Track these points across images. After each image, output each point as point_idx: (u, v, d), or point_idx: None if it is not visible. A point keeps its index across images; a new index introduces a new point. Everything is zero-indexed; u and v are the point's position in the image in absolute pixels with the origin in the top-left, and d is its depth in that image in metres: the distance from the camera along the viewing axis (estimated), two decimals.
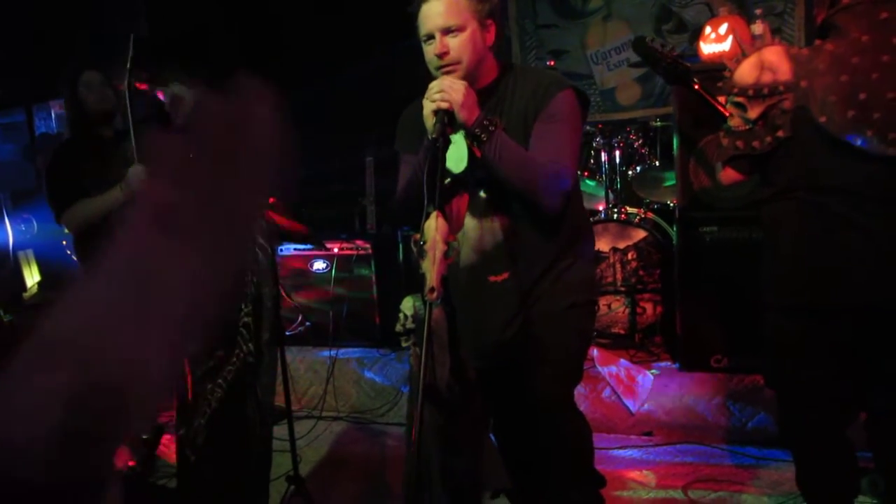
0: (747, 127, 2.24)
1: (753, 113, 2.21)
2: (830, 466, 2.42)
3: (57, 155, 3.26)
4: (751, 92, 2.20)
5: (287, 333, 4.04)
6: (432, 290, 1.58)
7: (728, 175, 2.40)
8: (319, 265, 4.14)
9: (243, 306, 1.88)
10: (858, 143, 2.16)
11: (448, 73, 1.89)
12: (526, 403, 1.99)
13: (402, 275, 3.95)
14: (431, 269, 1.61)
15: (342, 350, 3.97)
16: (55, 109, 5.80)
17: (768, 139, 2.22)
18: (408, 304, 1.80)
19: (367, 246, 4.07)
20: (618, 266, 3.95)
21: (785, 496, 2.77)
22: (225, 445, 1.94)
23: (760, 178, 2.46)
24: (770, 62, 2.18)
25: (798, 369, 2.40)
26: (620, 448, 3.33)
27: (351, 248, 4.08)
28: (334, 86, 5.49)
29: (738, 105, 2.23)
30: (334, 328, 3.99)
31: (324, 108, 5.57)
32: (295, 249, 4.17)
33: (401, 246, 4.01)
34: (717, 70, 3.08)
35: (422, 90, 1.89)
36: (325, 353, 3.98)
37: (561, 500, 2.08)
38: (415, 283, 3.80)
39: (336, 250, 4.07)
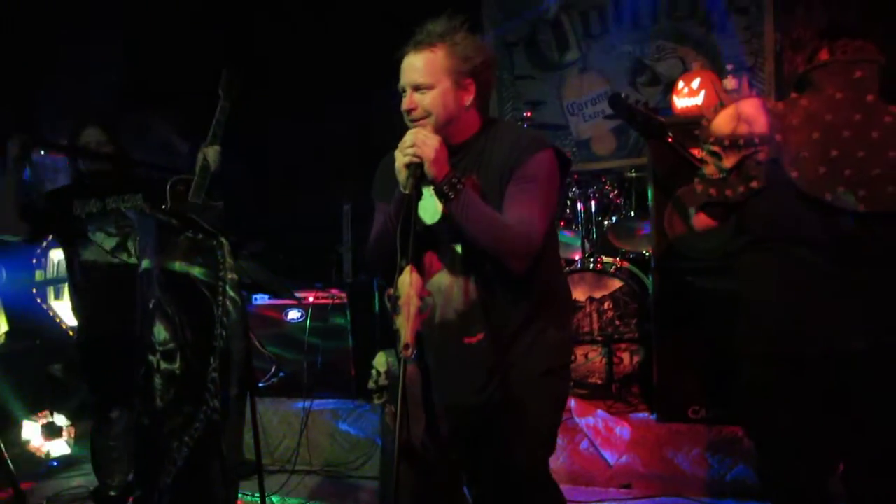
0: (721, 175, 2.27)
1: (728, 162, 2.24)
2: None
3: (59, 188, 3.51)
4: (727, 142, 2.24)
5: (260, 384, 3.96)
6: (407, 346, 1.56)
7: (701, 220, 2.42)
8: (294, 314, 4.09)
9: (212, 360, 1.84)
10: (828, 198, 2.20)
11: (419, 125, 1.88)
12: (499, 468, 1.94)
13: (378, 325, 3.90)
14: (406, 326, 1.59)
15: (316, 402, 3.89)
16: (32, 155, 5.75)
17: (741, 188, 2.25)
18: (381, 360, 1.77)
19: (343, 295, 4.03)
20: (594, 315, 3.94)
21: None
22: None
23: (736, 227, 2.48)
24: (747, 114, 2.22)
25: (777, 418, 2.39)
26: (598, 502, 3.28)
27: (326, 298, 4.04)
28: (312, 133, 5.51)
29: (713, 154, 2.27)
30: (308, 379, 3.92)
31: (300, 155, 5.58)
32: (269, 299, 4.12)
33: (377, 295, 3.97)
34: (690, 123, 3.15)
35: (400, 139, 1.88)
36: (299, 404, 3.90)
37: None
38: (390, 335, 3.77)
39: (311, 299, 4.03)
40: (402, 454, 1.55)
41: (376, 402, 1.74)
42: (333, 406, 3.93)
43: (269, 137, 5.58)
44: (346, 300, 3.99)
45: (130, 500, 3.24)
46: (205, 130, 2.87)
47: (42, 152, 5.42)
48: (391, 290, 1.67)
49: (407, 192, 1.77)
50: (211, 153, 2.78)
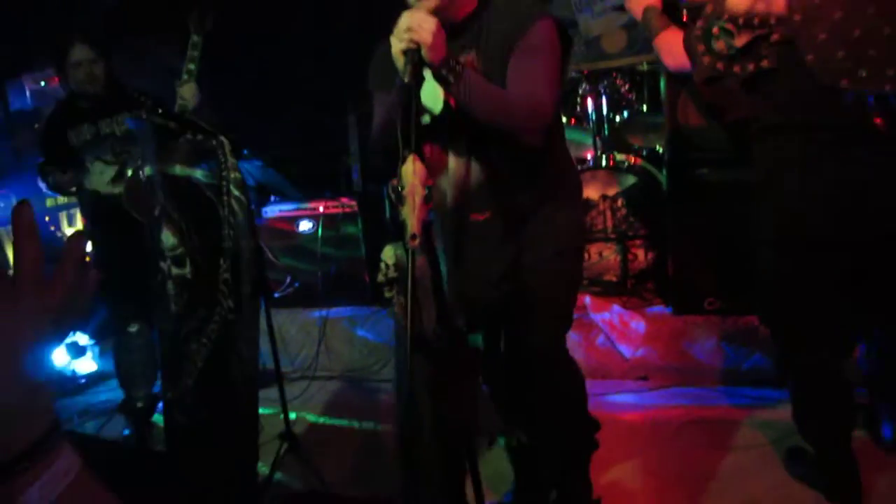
0: (731, 52, 2.18)
1: (740, 41, 2.15)
2: (827, 403, 2.42)
3: (51, 116, 3.39)
4: (741, 20, 2.14)
5: (276, 295, 3.99)
6: (413, 236, 1.53)
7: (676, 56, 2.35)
8: (305, 225, 4.08)
9: (222, 262, 1.83)
10: (844, 85, 2.11)
11: (417, 6, 1.80)
12: (517, 352, 1.96)
13: (390, 231, 3.89)
14: (412, 216, 1.55)
15: (333, 310, 3.93)
16: (28, 85, 5.68)
17: (750, 66, 2.17)
18: (389, 254, 1.74)
19: (353, 204, 4.00)
20: (608, 213, 3.90)
21: (780, 434, 2.76)
22: (213, 405, 1.90)
23: (747, 114, 2.41)
24: None
25: (795, 305, 2.38)
26: (616, 393, 3.32)
27: (336, 207, 4.02)
28: (314, 43, 5.36)
29: (726, 31, 2.17)
30: (323, 288, 3.95)
31: (305, 65, 5.45)
32: (280, 211, 4.10)
33: (387, 203, 3.94)
34: (700, 9, 3.03)
35: None
36: (316, 313, 3.94)
37: (556, 445, 2.06)
38: (401, 237, 3.76)
39: (321, 209, 4.00)
40: (414, 347, 1.54)
41: (387, 295, 1.73)
42: (350, 313, 3.97)
43: (268, 51, 5.44)
44: (356, 209, 3.96)
45: (157, 407, 3.34)
46: (206, 51, 2.76)
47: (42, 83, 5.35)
48: (395, 181, 1.63)
49: (406, 80, 1.71)
50: (186, 91, 2.66)
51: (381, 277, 1.73)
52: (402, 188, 1.59)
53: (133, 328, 3.26)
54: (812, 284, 2.33)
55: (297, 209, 4.06)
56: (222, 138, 1.82)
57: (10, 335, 0.56)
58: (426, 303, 1.65)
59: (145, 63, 4.86)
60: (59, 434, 0.60)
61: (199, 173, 1.82)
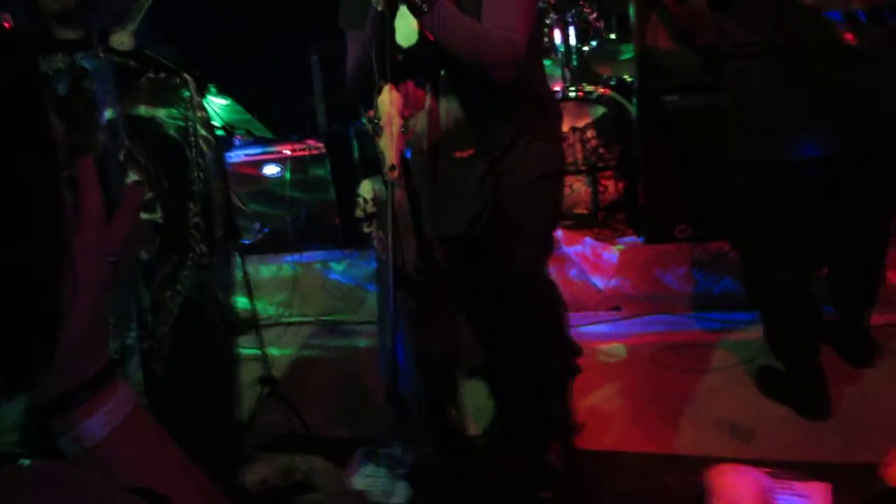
0: None
1: None
2: (797, 321, 2.48)
3: None
4: None
5: (245, 242, 3.93)
6: (392, 168, 1.50)
7: None
8: (272, 169, 4.00)
9: (192, 206, 1.78)
10: (810, 2, 2.10)
11: None
12: (499, 277, 1.96)
13: (359, 172, 3.83)
14: (390, 146, 1.52)
15: (305, 254, 3.89)
16: None
17: None
18: (367, 188, 1.71)
19: (321, 146, 3.93)
20: (577, 146, 3.88)
21: (751, 354, 2.83)
22: (191, 352, 1.88)
23: (716, 36, 2.40)
24: None
25: (764, 225, 2.42)
26: (590, 324, 3.37)
27: (303, 149, 3.94)
28: None
29: None
30: (294, 233, 3.90)
31: (263, 3, 5.25)
32: (245, 155, 4.01)
33: (355, 143, 3.86)
34: None
35: None
36: (288, 258, 3.90)
37: (539, 370, 2.09)
38: (378, 171, 3.71)
39: (288, 152, 3.92)
40: (397, 280, 1.53)
41: (366, 230, 1.71)
42: (322, 257, 3.94)
43: None
44: (324, 151, 3.89)
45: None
46: None
47: None
48: (371, 112, 1.59)
49: (380, 8, 1.66)
50: (119, 39, 2.45)
51: (359, 212, 1.70)
52: (379, 119, 1.55)
53: None
54: (780, 204, 2.37)
55: (263, 153, 3.97)
56: (186, 75, 1.75)
57: (84, 269, 0.60)
58: (406, 237, 1.63)
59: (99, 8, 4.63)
60: (116, 369, 0.65)
61: (162, 112, 1.75)
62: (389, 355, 1.67)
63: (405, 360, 1.69)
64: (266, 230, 3.98)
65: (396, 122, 1.53)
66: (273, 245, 3.99)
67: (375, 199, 1.70)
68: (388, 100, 1.55)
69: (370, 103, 1.66)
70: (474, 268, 2.02)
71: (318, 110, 4.29)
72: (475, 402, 2.39)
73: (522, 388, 2.10)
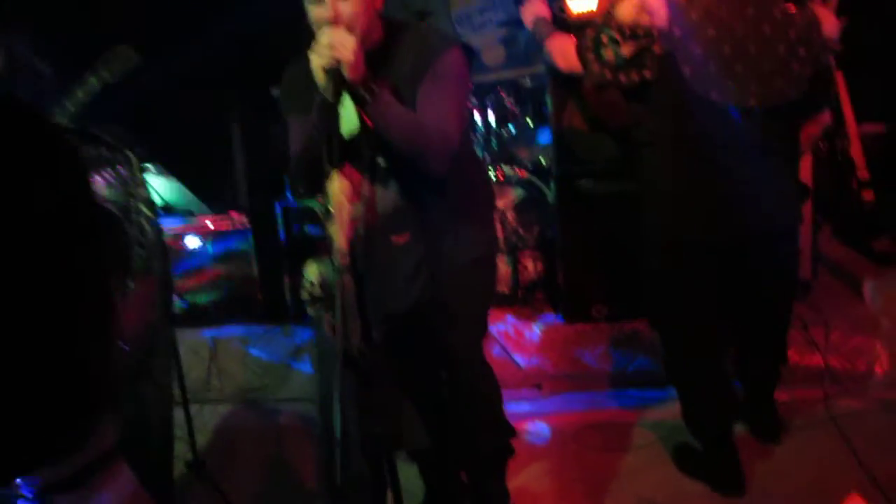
0: (618, 62, 2.33)
1: (626, 50, 2.30)
2: (712, 398, 2.61)
3: None
4: (627, 31, 2.29)
5: None
6: (343, 254, 1.53)
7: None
8: (193, 242, 3.92)
9: (131, 283, 1.74)
10: (713, 97, 2.31)
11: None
12: (437, 359, 1.99)
13: (285, 247, 3.80)
14: (339, 232, 1.55)
15: (224, 328, 3.79)
16: None
17: (634, 76, 2.33)
18: (313, 270, 1.73)
19: (243, 219, 3.89)
20: (498, 226, 4.00)
21: (667, 432, 2.94)
22: (127, 433, 1.79)
23: (630, 122, 2.58)
24: (650, 5, 2.28)
25: (676, 305, 2.56)
26: (513, 402, 3.41)
27: (225, 222, 3.89)
28: (193, 47, 5.12)
29: (612, 41, 2.32)
30: (214, 306, 3.80)
31: (184, 69, 5.19)
32: (166, 227, 3.91)
33: (279, 218, 3.84)
34: (585, 26, 3.19)
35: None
36: (207, 332, 3.79)
37: (476, 451, 2.11)
38: (298, 255, 3.68)
39: (210, 225, 3.86)
40: (344, 363, 1.54)
41: (310, 312, 1.71)
42: (242, 332, 3.84)
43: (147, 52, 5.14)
44: (247, 224, 3.85)
45: None
46: (68, 51, 2.54)
47: None
48: (321, 198, 1.63)
49: (329, 97, 1.72)
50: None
51: (305, 295, 1.71)
52: (329, 205, 1.58)
53: None
54: (689, 283, 2.52)
55: (184, 225, 3.90)
56: (129, 153, 1.74)
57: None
58: (352, 321, 1.64)
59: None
60: (118, 450, 0.67)
61: (104, 190, 1.73)
62: (331, 438, 1.66)
63: (347, 443, 1.67)
64: (185, 303, 3.87)
65: (346, 209, 1.57)
66: (191, 318, 3.87)
67: (322, 283, 1.71)
68: (338, 187, 1.59)
69: (314, 188, 1.70)
70: (413, 350, 2.05)
71: (238, 180, 4.25)
72: (412, 480, 2.37)
73: (460, 469, 2.11)
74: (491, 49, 5.45)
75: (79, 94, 2.02)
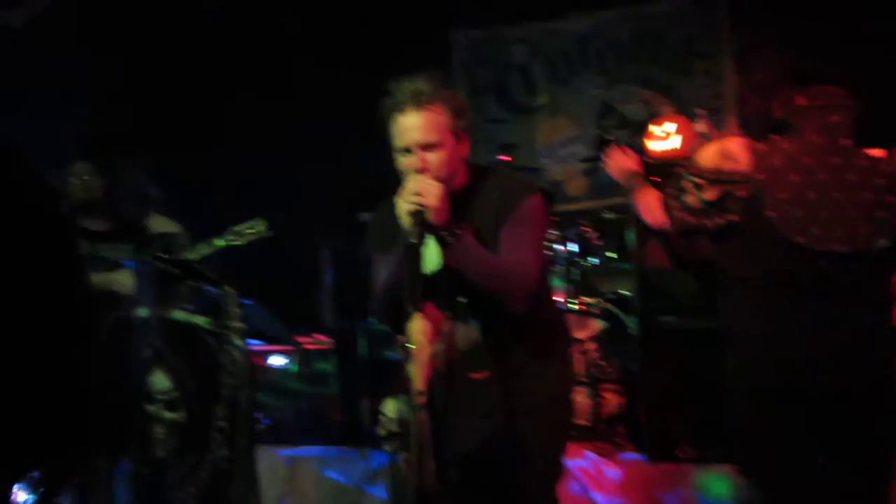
0: (701, 206, 2.36)
1: (709, 195, 2.33)
2: None
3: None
4: (710, 175, 2.33)
5: None
6: (421, 394, 1.57)
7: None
8: (277, 360, 4.05)
9: (218, 409, 1.82)
10: (801, 241, 2.29)
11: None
12: (510, 499, 1.97)
13: (367, 369, 3.87)
14: (419, 373, 1.60)
15: (302, 448, 3.84)
16: None
17: (719, 220, 2.35)
18: (391, 408, 1.78)
19: (327, 340, 4.01)
20: (578, 357, 3.96)
21: None
22: None
23: (715, 264, 2.57)
24: (731, 152, 2.33)
25: (770, 456, 2.44)
26: None
27: (310, 343, 4.01)
28: (287, 179, 5.44)
29: (696, 186, 2.35)
30: (294, 425, 3.87)
31: (271, 199, 5.48)
32: (251, 345, 4.07)
33: (362, 340, 3.94)
34: (666, 165, 3.26)
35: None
36: (284, 451, 3.83)
37: None
38: (380, 379, 3.74)
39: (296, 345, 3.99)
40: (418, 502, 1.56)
41: (387, 449, 1.74)
42: (320, 453, 3.87)
43: (245, 180, 5.47)
44: (331, 345, 3.97)
45: None
46: (175, 176, 2.72)
47: None
48: (401, 338, 1.69)
49: (413, 240, 1.81)
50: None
51: (382, 431, 1.75)
52: (410, 346, 1.64)
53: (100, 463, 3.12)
54: (780, 434, 2.40)
55: (269, 344, 4.04)
56: (228, 289, 1.86)
57: None
58: (426, 459, 1.66)
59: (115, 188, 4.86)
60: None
61: (201, 320, 1.85)
62: None
63: None
64: (266, 421, 3.95)
65: (426, 350, 1.62)
66: (271, 436, 3.94)
67: (400, 420, 1.75)
68: (419, 328, 1.65)
69: (396, 326, 1.76)
70: (487, 489, 2.03)
71: (324, 303, 4.41)
72: None
73: None
74: (573, 180, 5.59)
75: (203, 250, 2.18)
